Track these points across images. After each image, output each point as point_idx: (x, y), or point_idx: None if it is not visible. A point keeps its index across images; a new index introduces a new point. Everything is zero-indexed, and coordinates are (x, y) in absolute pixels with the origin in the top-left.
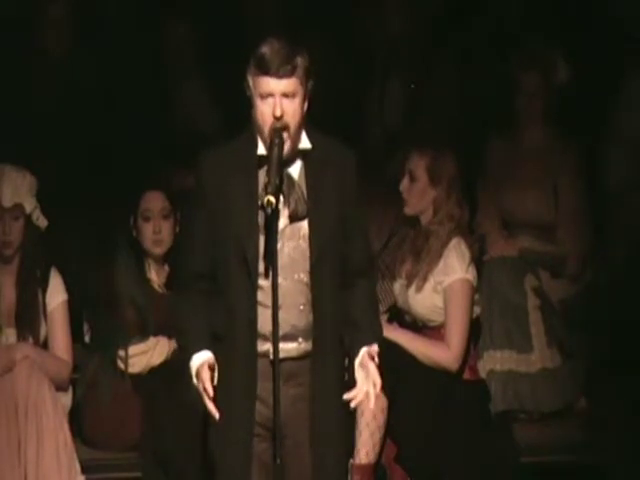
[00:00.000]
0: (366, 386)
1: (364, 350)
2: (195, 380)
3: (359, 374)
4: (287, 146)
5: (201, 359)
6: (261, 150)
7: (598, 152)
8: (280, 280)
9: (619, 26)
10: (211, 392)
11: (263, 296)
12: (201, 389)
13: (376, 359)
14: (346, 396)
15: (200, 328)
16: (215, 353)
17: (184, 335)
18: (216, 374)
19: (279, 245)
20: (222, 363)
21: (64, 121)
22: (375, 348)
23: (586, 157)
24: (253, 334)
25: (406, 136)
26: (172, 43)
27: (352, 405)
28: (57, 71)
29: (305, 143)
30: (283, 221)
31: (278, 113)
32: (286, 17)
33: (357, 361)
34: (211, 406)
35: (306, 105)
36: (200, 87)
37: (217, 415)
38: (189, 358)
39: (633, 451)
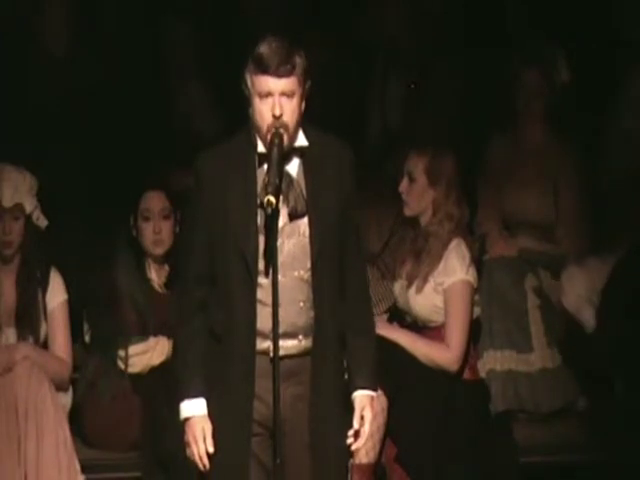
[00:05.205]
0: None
1: (365, 396)
2: (188, 438)
3: (356, 417)
4: (284, 144)
5: (196, 413)
6: (260, 148)
7: (598, 152)
8: (280, 278)
9: (620, 26)
10: (207, 464)
11: (263, 294)
12: (195, 456)
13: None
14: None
15: (196, 366)
16: (213, 352)
17: (179, 374)
18: (209, 439)
19: (279, 243)
20: (221, 361)
21: (64, 121)
22: (374, 395)
23: (586, 157)
24: (252, 332)
25: (406, 136)
26: (172, 43)
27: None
28: (57, 71)
29: (302, 141)
30: (282, 219)
31: (277, 112)
32: (286, 17)
33: (355, 400)
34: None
35: (303, 105)
36: (200, 87)
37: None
38: (181, 399)
39: (633, 451)
